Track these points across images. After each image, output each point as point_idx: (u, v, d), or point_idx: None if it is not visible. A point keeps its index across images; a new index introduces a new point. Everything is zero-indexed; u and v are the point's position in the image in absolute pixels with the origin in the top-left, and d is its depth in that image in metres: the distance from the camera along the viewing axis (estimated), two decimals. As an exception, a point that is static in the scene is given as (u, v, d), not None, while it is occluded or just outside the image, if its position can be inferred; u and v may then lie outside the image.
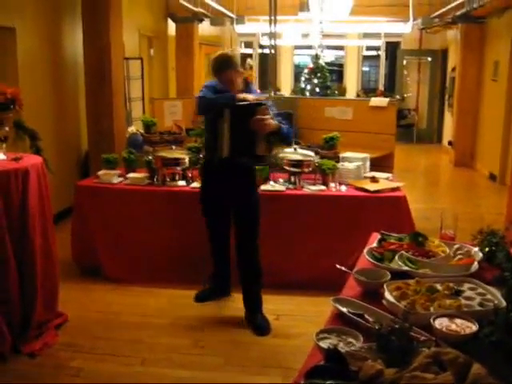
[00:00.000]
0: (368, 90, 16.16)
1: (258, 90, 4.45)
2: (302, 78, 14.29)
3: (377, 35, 14.90)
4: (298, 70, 16.97)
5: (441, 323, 1.94)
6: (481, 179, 10.19)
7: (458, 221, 3.04)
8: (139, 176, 5.20)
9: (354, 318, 2.06)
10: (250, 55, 16.65)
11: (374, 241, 2.92)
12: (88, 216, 5.10)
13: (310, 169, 5.02)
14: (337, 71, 16.99)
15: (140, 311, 4.50)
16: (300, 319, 4.33)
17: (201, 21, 11.39)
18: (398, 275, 2.41)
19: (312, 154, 5.12)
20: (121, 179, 5.22)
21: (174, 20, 11.19)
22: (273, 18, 8.03)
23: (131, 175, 5.23)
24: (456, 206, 7.93)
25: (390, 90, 15.74)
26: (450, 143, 12.15)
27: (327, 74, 13.84)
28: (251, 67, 14.09)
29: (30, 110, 4.89)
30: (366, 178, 5.19)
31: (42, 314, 3.92)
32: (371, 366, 1.62)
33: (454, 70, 12.58)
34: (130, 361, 3.75)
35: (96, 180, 5.23)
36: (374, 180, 5.08)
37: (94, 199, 5.10)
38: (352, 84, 16.42)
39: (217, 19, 11.63)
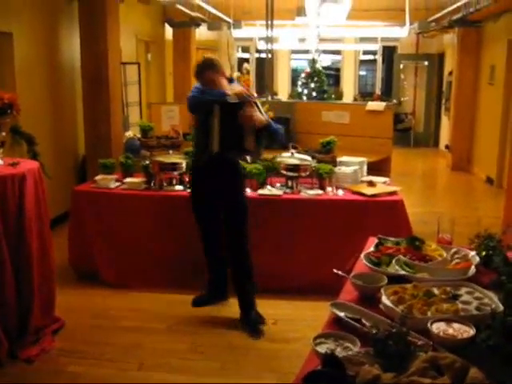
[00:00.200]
0: (365, 94, 16.19)
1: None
2: (299, 83, 14.31)
3: (373, 39, 14.93)
4: (295, 75, 17.00)
5: (438, 327, 1.94)
6: (478, 183, 10.21)
7: (455, 225, 3.04)
8: (136, 181, 5.20)
9: (351, 322, 2.06)
10: (247, 60, 16.67)
11: (371, 245, 2.91)
12: (85, 221, 5.09)
13: (307, 173, 5.02)
14: (334, 75, 17.02)
15: (137, 316, 4.49)
16: (298, 323, 4.32)
17: (198, 25, 11.41)
18: (395, 279, 2.41)
19: (309, 158, 5.12)
20: (118, 184, 5.22)
21: (171, 25, 11.21)
22: (270, 22, 8.04)
23: (128, 180, 5.23)
24: (453, 209, 7.94)
25: (386, 94, 15.77)
26: (447, 147, 12.17)
27: (324, 79, 13.88)
28: (248, 72, 14.09)
29: (27, 115, 4.89)
30: (363, 182, 5.19)
31: (38, 319, 3.91)
32: (368, 370, 1.62)
33: (450, 74, 12.61)
34: (128, 366, 3.75)
35: (93, 185, 5.22)
36: (371, 184, 5.08)
37: (91, 204, 5.09)
38: (349, 88, 16.45)
39: (214, 24, 11.64)
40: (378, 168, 6.08)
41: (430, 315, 2.06)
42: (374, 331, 1.86)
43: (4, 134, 3.96)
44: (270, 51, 8.09)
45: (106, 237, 5.08)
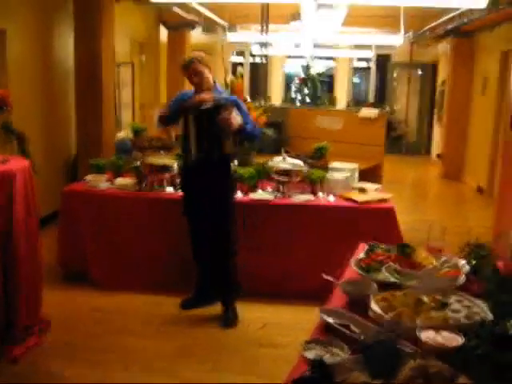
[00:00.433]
0: (358, 102, 16.24)
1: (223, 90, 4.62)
2: (293, 88, 14.36)
3: (368, 47, 14.99)
4: (288, 80, 17.03)
5: (427, 335, 1.93)
6: (469, 192, 10.24)
7: (445, 233, 3.04)
8: (127, 181, 5.18)
9: (340, 328, 2.05)
10: (241, 64, 16.68)
11: (361, 251, 2.91)
12: (75, 220, 5.06)
13: (299, 178, 5.02)
14: (327, 82, 17.06)
15: (125, 317, 4.47)
16: (286, 328, 4.31)
17: (193, 28, 11.40)
18: (384, 286, 2.41)
19: (301, 163, 5.12)
20: (108, 184, 5.19)
21: (166, 27, 11.19)
22: (264, 27, 8.06)
23: (119, 180, 5.20)
24: (444, 218, 7.96)
25: (380, 102, 15.83)
26: (438, 156, 12.21)
27: (318, 84, 13.91)
28: (242, 76, 14.12)
29: (19, 113, 4.86)
30: (354, 188, 5.19)
31: (25, 318, 3.86)
32: (356, 377, 1.61)
33: (443, 83, 12.67)
34: (114, 367, 3.72)
35: (83, 185, 5.20)
36: (362, 191, 5.08)
37: (81, 204, 5.06)
38: (342, 95, 16.50)
39: (209, 27, 11.64)
40: (369, 175, 6.10)
41: (418, 323, 2.05)
42: (363, 338, 1.86)
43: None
44: (265, 56, 8.09)
45: (96, 237, 5.05)
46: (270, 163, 5.08)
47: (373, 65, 16.42)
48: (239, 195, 4.83)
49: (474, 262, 2.68)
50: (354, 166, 5.47)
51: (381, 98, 16.29)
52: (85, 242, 5.06)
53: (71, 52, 7.05)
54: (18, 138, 4.30)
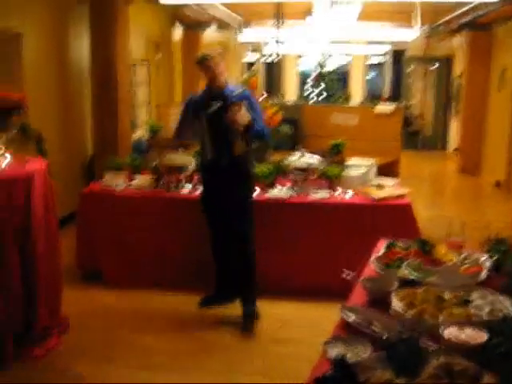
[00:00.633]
0: (373, 97, 16.15)
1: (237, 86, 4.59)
2: (308, 85, 14.30)
3: (382, 42, 14.89)
4: (303, 77, 16.97)
5: (450, 333, 1.91)
6: (487, 186, 10.15)
7: (464, 228, 3.00)
8: (144, 181, 5.18)
9: (362, 326, 2.04)
10: (256, 61, 16.65)
11: (380, 248, 2.89)
12: (92, 221, 5.08)
13: (316, 175, 4.99)
14: (342, 78, 16.98)
15: (144, 316, 4.48)
16: (304, 326, 4.29)
17: (207, 26, 11.40)
18: (405, 283, 2.38)
19: (318, 160, 5.09)
20: (126, 184, 5.21)
21: (180, 25, 11.20)
22: (279, 24, 8.03)
23: (136, 180, 5.22)
24: (462, 213, 7.89)
25: (395, 97, 15.72)
26: (456, 150, 12.11)
27: (333, 81, 13.84)
28: (256, 73, 14.11)
29: (36, 114, 4.89)
30: (371, 184, 5.16)
31: (45, 318, 3.89)
32: (380, 376, 1.59)
33: (459, 76, 12.56)
34: (134, 366, 3.74)
35: (101, 185, 5.22)
36: (379, 187, 5.05)
37: (99, 204, 5.08)
38: (357, 91, 16.42)
39: (223, 25, 11.64)
40: (386, 171, 6.05)
41: (441, 320, 2.03)
42: (385, 336, 1.84)
43: (13, 132, 3.96)
44: (279, 54, 8.07)
45: (114, 237, 5.07)
46: (287, 160, 5.06)
47: (388, 60, 16.31)
48: (257, 192, 4.82)
49: (495, 258, 2.65)
50: (371, 162, 5.44)
51: (396, 93, 16.19)
52: (102, 243, 5.09)
53: (86, 53, 7.08)
54: (36, 138, 4.33)
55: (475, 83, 11.16)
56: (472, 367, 1.59)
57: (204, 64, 4.24)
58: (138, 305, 4.68)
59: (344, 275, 2.62)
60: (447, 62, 14.63)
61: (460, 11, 9.23)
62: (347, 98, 15.48)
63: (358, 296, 2.41)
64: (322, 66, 13.95)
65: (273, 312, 4.45)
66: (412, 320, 1.99)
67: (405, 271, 2.52)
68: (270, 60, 12.85)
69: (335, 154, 5.37)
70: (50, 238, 3.95)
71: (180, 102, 10.52)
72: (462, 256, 2.71)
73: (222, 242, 4.49)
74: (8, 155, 3.92)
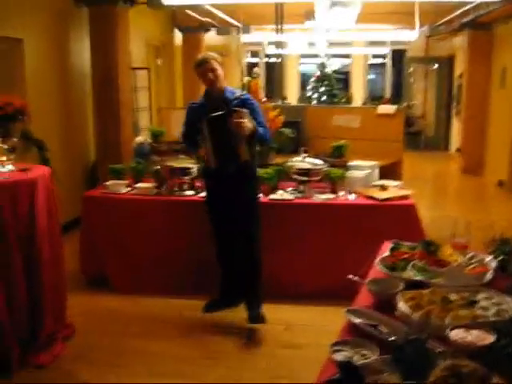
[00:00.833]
0: (374, 98, 16.16)
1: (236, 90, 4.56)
2: (309, 87, 14.30)
3: (383, 43, 14.90)
4: (304, 79, 16.98)
5: (456, 334, 1.90)
6: (489, 186, 10.13)
7: (470, 229, 2.99)
8: (147, 186, 5.18)
9: (368, 329, 2.03)
10: (256, 64, 16.67)
11: (385, 250, 2.88)
12: (96, 226, 5.08)
13: (319, 177, 4.99)
14: (343, 79, 17.00)
15: (148, 322, 4.47)
16: (310, 329, 4.29)
17: (207, 30, 11.42)
18: (411, 285, 2.37)
19: (320, 162, 5.09)
20: (128, 189, 5.21)
21: (180, 30, 11.22)
22: (279, 26, 8.03)
23: (139, 185, 5.22)
24: (465, 213, 7.87)
25: (396, 98, 15.72)
26: (458, 150, 12.10)
27: (334, 82, 13.84)
28: (257, 76, 14.08)
29: (38, 121, 4.89)
30: (374, 186, 5.15)
31: (50, 325, 3.89)
32: (387, 379, 1.58)
33: (460, 76, 12.55)
34: (138, 372, 3.73)
35: (103, 190, 5.22)
36: (382, 188, 5.04)
37: (102, 209, 5.08)
38: (358, 92, 16.42)
39: (223, 29, 11.65)
40: (389, 172, 6.04)
41: (447, 322, 2.02)
42: (392, 338, 1.83)
43: (15, 139, 3.96)
44: (280, 55, 8.07)
45: (117, 242, 5.07)
46: (290, 163, 5.06)
47: (388, 61, 16.31)
48: (260, 195, 4.81)
49: (500, 258, 2.64)
50: (374, 163, 5.43)
51: (397, 94, 16.19)
52: (105, 248, 5.09)
53: (87, 58, 7.09)
54: (38, 145, 4.34)
55: (476, 83, 11.15)
56: (480, 369, 1.58)
57: (202, 68, 4.22)
58: (142, 310, 4.67)
59: (349, 277, 2.61)
60: (448, 61, 14.63)
61: (461, 11, 9.23)
62: (348, 100, 15.49)
63: (364, 298, 2.40)
64: (323, 67, 13.94)
65: (278, 315, 4.43)
66: (418, 322, 1.98)
67: (410, 273, 2.51)
68: (271, 61, 12.87)
69: (337, 156, 5.36)
70: (53, 245, 3.95)
71: (181, 106, 10.54)
72: (467, 257, 2.69)
73: (228, 245, 4.47)
74: (11, 163, 3.93)
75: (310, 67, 17.05)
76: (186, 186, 5.10)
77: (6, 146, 3.91)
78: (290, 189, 5.07)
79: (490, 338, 1.85)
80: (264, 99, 6.06)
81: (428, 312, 2.06)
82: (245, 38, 12.20)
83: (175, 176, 5.05)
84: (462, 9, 9.07)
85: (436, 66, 15.15)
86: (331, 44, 12.85)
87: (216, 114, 4.06)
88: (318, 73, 14.00)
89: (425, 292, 2.24)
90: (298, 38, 12.72)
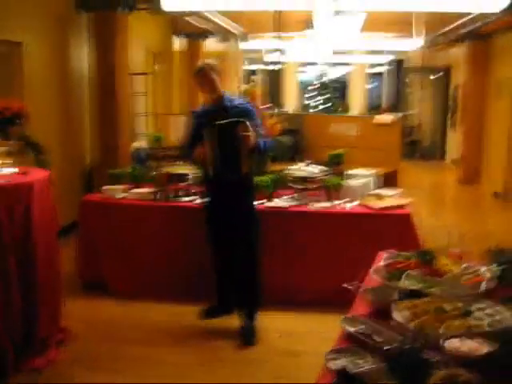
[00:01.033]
0: (373, 107, 16.20)
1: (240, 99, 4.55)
2: (307, 95, 14.33)
3: (381, 52, 14.94)
4: (302, 87, 17.01)
5: (451, 344, 1.90)
6: (486, 197, 10.14)
7: (464, 239, 3.01)
8: (143, 191, 5.19)
9: (363, 338, 2.03)
10: (255, 72, 16.71)
11: (381, 259, 2.89)
12: (93, 231, 5.08)
13: (316, 185, 4.99)
14: (341, 88, 17.04)
15: (145, 327, 4.47)
16: (305, 337, 4.29)
17: (206, 37, 11.45)
18: (406, 294, 2.38)
19: (317, 170, 5.09)
20: (125, 194, 5.21)
21: (180, 36, 11.24)
22: (278, 34, 8.06)
23: (135, 190, 5.22)
24: (462, 223, 7.90)
25: (394, 107, 15.76)
26: (454, 161, 12.13)
27: (332, 91, 13.88)
28: (255, 84, 14.12)
29: (36, 124, 4.89)
30: (372, 195, 5.16)
31: (45, 329, 3.88)
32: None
33: (457, 87, 12.60)
34: (135, 378, 3.72)
35: (100, 195, 5.22)
36: (379, 197, 5.05)
37: (99, 214, 5.09)
38: (356, 101, 16.46)
39: (223, 36, 11.68)
40: (386, 181, 6.05)
41: (442, 331, 2.03)
42: (387, 347, 1.83)
43: (13, 142, 3.96)
44: (279, 63, 8.10)
45: (114, 247, 5.07)
46: (286, 171, 5.06)
47: (388, 70, 16.36)
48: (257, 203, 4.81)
49: (496, 268, 2.65)
50: (372, 172, 5.44)
51: (395, 104, 16.23)
52: (102, 252, 5.08)
53: (86, 63, 7.10)
54: (36, 149, 4.33)
55: (474, 93, 11.20)
56: (476, 378, 1.59)
57: (198, 77, 4.24)
58: (139, 315, 4.67)
59: (346, 286, 2.61)
60: (446, 72, 14.69)
61: (459, 22, 9.27)
62: (347, 108, 15.54)
63: (360, 307, 2.40)
64: (322, 75, 13.98)
65: (276, 323, 4.43)
66: (413, 331, 1.98)
67: (406, 282, 2.52)
68: (270, 68, 12.89)
69: (335, 165, 5.37)
70: (49, 249, 3.94)
71: (178, 112, 10.56)
72: (463, 267, 2.70)
73: (226, 252, 4.46)
74: (9, 166, 3.93)
75: (309, 75, 17.09)
76: (182, 192, 5.10)
77: (4, 149, 3.91)
78: (286, 197, 5.07)
79: (484, 349, 1.86)
80: (263, 106, 6.07)
81: (423, 322, 2.07)
82: (244, 45, 12.22)
83: (171, 182, 5.06)
84: (461, 20, 9.12)
85: (434, 76, 15.21)
86: (332, 53, 12.87)
87: (225, 121, 4.06)
88: (317, 81, 14.03)
89: (420, 302, 2.25)
90: (296, 46, 12.75)
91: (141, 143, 7.45)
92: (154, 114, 9.90)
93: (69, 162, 7.06)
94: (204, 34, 11.13)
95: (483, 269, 2.65)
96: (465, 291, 2.43)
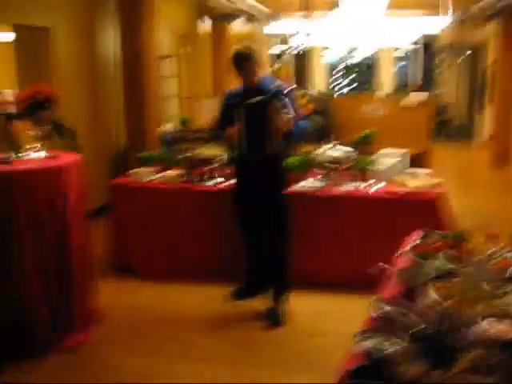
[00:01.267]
0: (404, 86, 15.95)
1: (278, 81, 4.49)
2: (336, 76, 14.19)
3: (408, 31, 14.66)
4: (331, 68, 16.83)
5: (486, 325, 1.86)
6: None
7: (500, 219, 2.95)
8: (173, 174, 5.21)
9: (396, 317, 2.00)
10: (284, 52, 16.57)
11: (416, 239, 2.84)
12: (123, 214, 5.13)
13: (348, 165, 4.93)
14: (370, 68, 16.81)
15: (177, 309, 4.50)
16: (334, 318, 4.26)
17: (235, 18, 11.38)
18: (441, 274, 2.34)
19: (348, 151, 5.03)
20: (152, 177, 5.22)
21: (208, 18, 11.19)
22: (307, 15, 7.97)
23: (165, 173, 5.24)
24: (497, 203, 7.73)
25: (426, 86, 15.50)
26: (488, 139, 11.90)
27: (361, 72, 13.71)
28: (284, 66, 14.02)
29: (67, 109, 4.94)
30: (401, 175, 5.07)
31: (79, 310, 3.94)
32: (416, 367, 1.56)
33: (492, 64, 12.33)
34: (168, 358, 3.75)
35: (130, 178, 5.25)
36: (410, 178, 4.97)
37: (127, 197, 5.13)
38: (387, 80, 16.24)
39: (251, 17, 11.61)
40: (417, 161, 5.97)
41: (478, 311, 1.99)
42: (421, 327, 1.80)
43: (46, 127, 4.00)
44: (307, 45, 8.02)
45: (144, 229, 5.10)
46: (319, 151, 5.01)
47: (418, 48, 16.08)
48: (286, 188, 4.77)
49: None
50: (405, 151, 5.35)
51: (427, 82, 15.96)
52: (132, 235, 5.13)
53: (113, 47, 7.12)
54: (68, 133, 4.37)
55: (505, 72, 10.92)
56: (504, 361, 1.55)
57: (239, 60, 4.18)
58: (168, 297, 4.70)
59: (378, 266, 2.58)
60: (480, 49, 14.38)
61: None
62: (377, 88, 15.34)
63: (392, 287, 2.37)
64: (349, 56, 13.81)
65: (304, 304, 4.42)
66: (448, 312, 1.94)
67: (441, 262, 2.48)
68: (296, 51, 12.79)
69: (365, 145, 5.30)
70: (83, 231, 3.99)
71: (210, 94, 10.55)
72: (498, 247, 2.64)
73: (254, 234, 4.45)
74: (42, 150, 3.97)
75: (336, 56, 16.89)
76: (212, 174, 5.10)
77: (37, 133, 3.95)
78: (318, 177, 5.02)
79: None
80: (294, 86, 6.01)
81: (458, 302, 2.03)
82: (272, 26, 12.13)
83: (200, 165, 5.06)
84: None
85: (467, 53, 14.90)
86: (359, 33, 12.67)
87: (253, 100, 4.05)
88: (346, 62, 13.87)
89: (455, 281, 2.21)
90: (323, 28, 12.60)
91: (168, 126, 7.48)
92: (185, 97, 9.91)
93: (98, 146, 7.11)
94: (230, 16, 11.07)
95: (510, 254, 2.58)
96: (501, 271, 2.38)
